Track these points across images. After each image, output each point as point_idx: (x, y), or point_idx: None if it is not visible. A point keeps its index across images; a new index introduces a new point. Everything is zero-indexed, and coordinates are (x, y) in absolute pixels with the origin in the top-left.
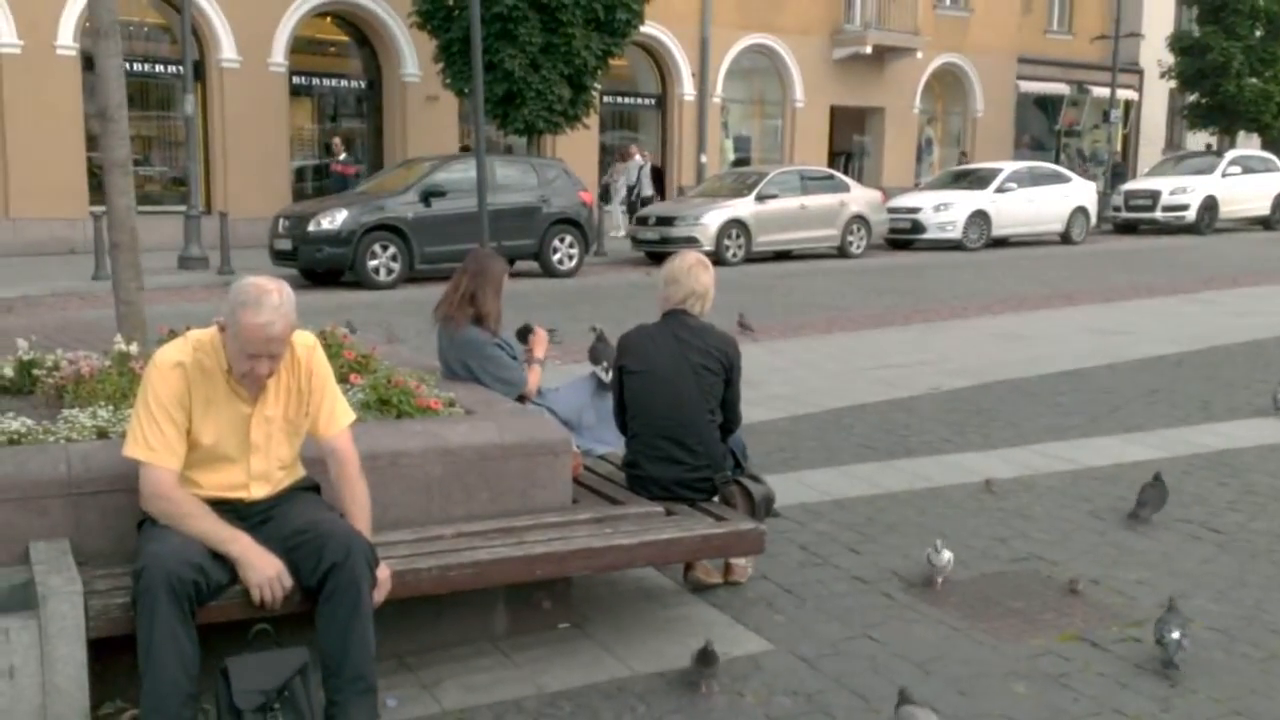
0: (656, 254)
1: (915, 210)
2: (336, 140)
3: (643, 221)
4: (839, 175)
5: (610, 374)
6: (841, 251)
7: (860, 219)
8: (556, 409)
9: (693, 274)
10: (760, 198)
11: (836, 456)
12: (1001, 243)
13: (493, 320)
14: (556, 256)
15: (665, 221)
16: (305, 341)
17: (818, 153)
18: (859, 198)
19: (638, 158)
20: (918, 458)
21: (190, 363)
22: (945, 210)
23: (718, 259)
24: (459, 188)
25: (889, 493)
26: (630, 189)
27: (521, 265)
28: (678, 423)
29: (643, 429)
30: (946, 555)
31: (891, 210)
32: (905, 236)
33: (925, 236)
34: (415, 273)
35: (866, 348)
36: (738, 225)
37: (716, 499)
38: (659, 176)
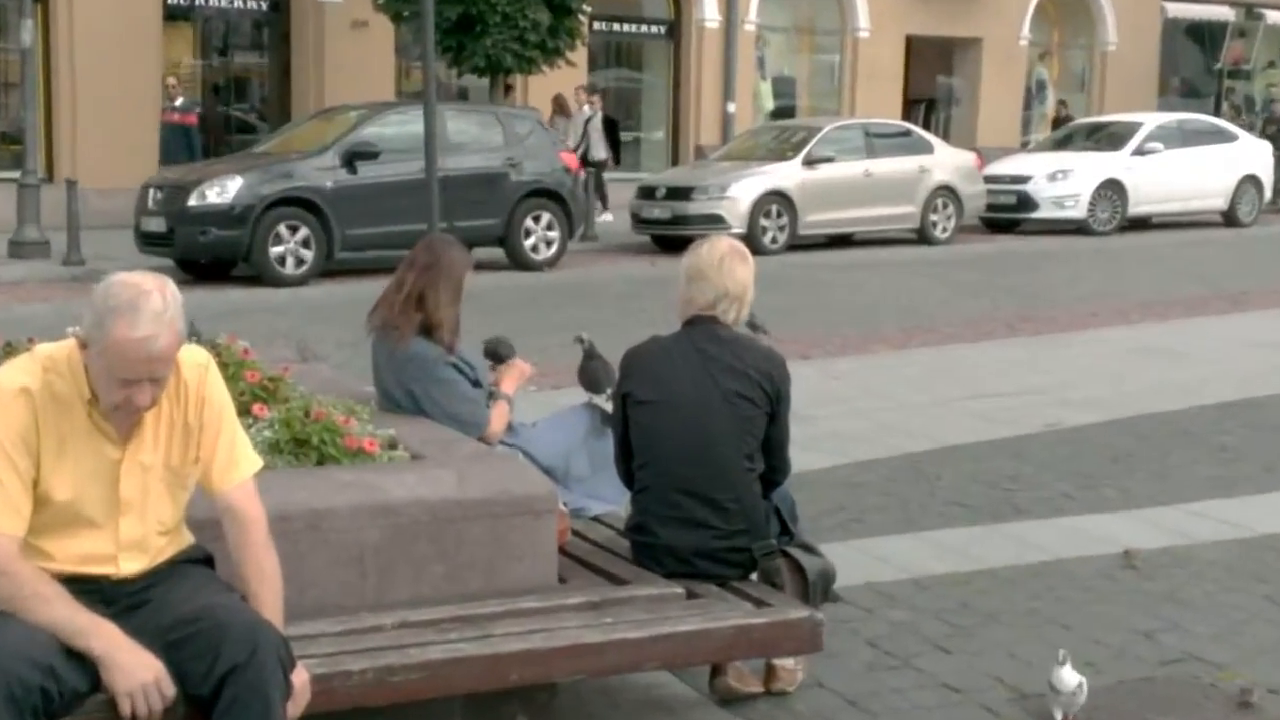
0: (667, 239)
1: (1023, 179)
2: (172, 80)
3: (648, 194)
4: (918, 131)
5: (609, 405)
6: (922, 236)
7: (947, 191)
8: (535, 453)
9: (725, 268)
10: (810, 162)
11: (917, 519)
12: (1141, 224)
13: (447, 331)
14: (530, 242)
15: (679, 194)
16: (195, 360)
17: (889, 100)
18: (945, 162)
19: (585, 109)
20: (1029, 520)
21: (39, 389)
22: (1064, 179)
23: (751, 246)
24: (396, 147)
25: (989, 569)
26: (577, 152)
27: (481, 254)
28: (704, 472)
29: (655, 480)
30: (1073, 679)
31: (990, 180)
32: (1009, 215)
33: (1037, 215)
34: (335, 264)
35: (957, 369)
36: (779, 200)
37: (755, 576)
38: (613, 132)
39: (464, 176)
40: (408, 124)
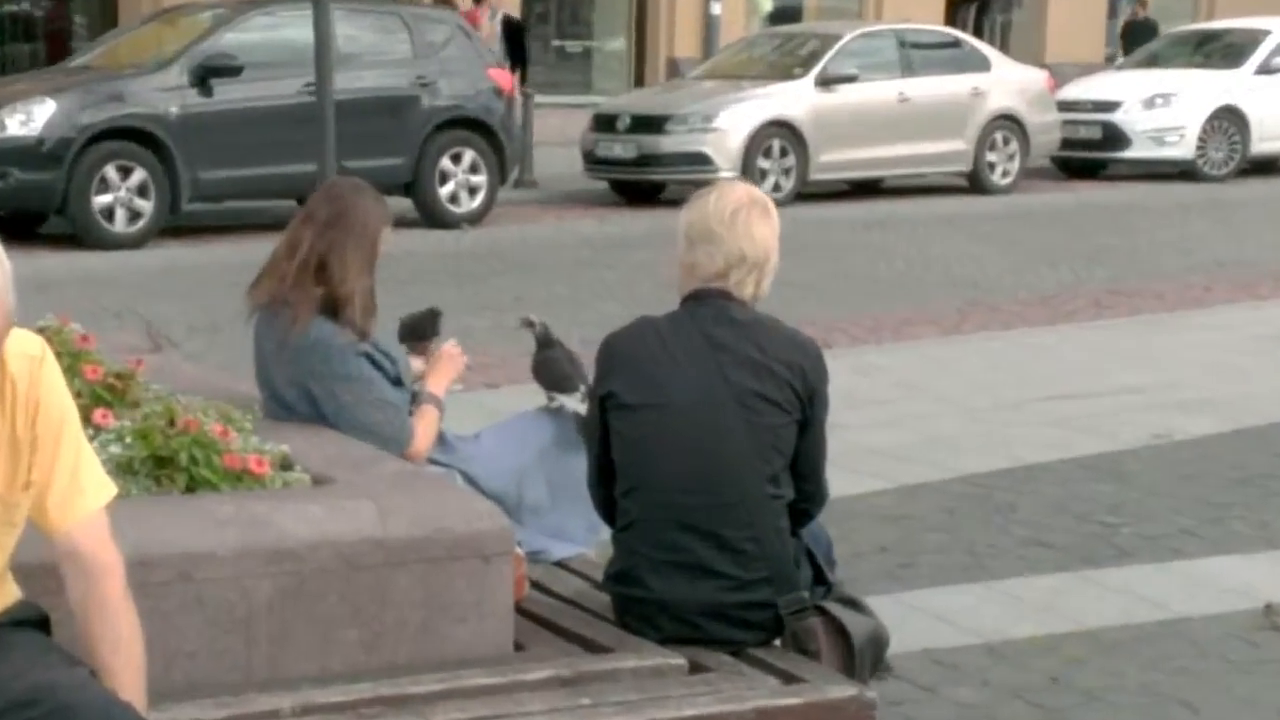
0: (631, 185)
1: (1110, 107)
2: None
3: (605, 126)
4: (970, 41)
5: (582, 407)
6: (975, 182)
7: (1009, 122)
8: (478, 475)
9: (741, 224)
10: (825, 82)
11: (987, 563)
12: (1267, 166)
13: (359, 310)
14: (447, 189)
15: (647, 126)
16: (27, 350)
17: (928, 0)
18: (1007, 83)
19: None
20: (1136, 564)
21: None
22: (1165, 107)
23: None
24: (265, 59)
25: (1086, 630)
26: None
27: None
28: (712, 501)
29: (646, 513)
30: None
31: (1065, 107)
32: (1092, 155)
33: (1128, 155)
34: (182, 219)
35: (1030, 361)
36: (783, 133)
37: (782, 641)
38: (516, 38)
39: (357, 101)
40: (281, 28)
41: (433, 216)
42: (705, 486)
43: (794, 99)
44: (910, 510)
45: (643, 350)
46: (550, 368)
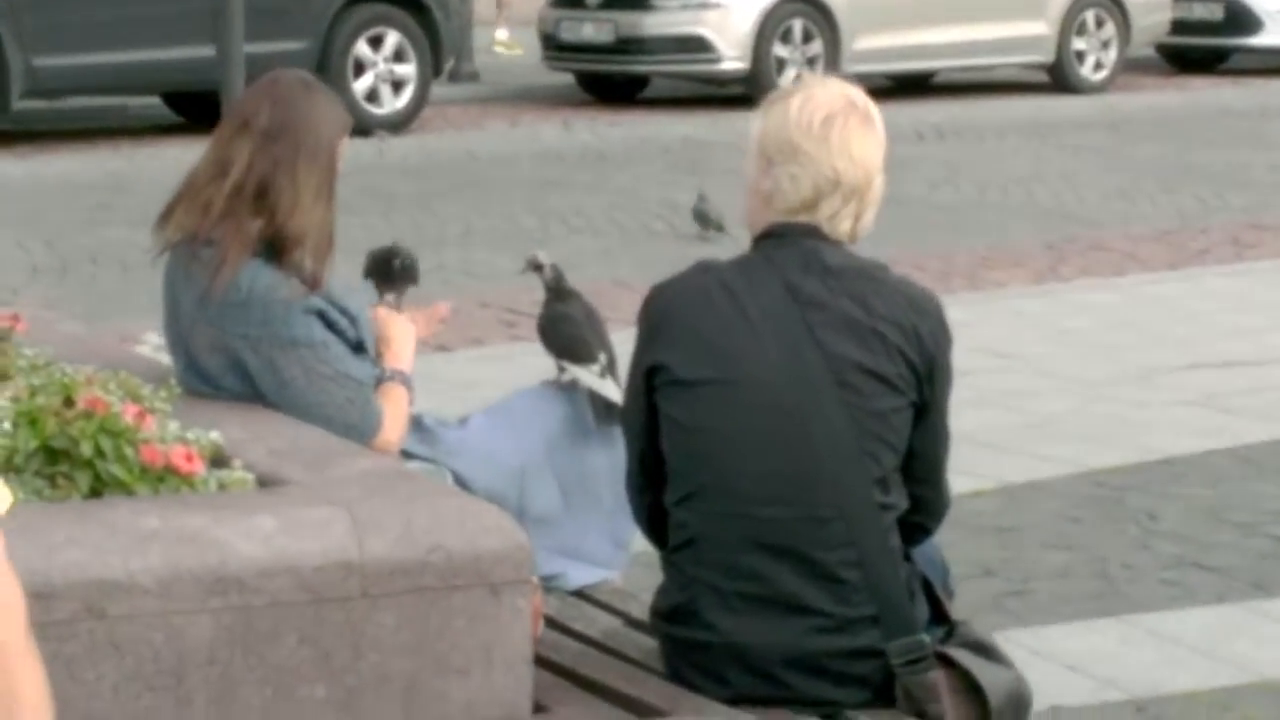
0: (604, 80)
1: None
2: None
3: (570, 1)
4: None
5: (601, 382)
6: (1058, 77)
7: None
8: (468, 473)
9: (835, 135)
10: None
11: (1124, 589)
12: None
13: (312, 251)
14: (364, 83)
15: (626, 1)
16: None
17: None
18: None
19: None
20: None
21: None
22: None
23: (761, 94)
24: None
25: (1264, 681)
26: None
27: None
28: (801, 513)
29: (711, 527)
30: None
31: None
32: (1210, 42)
33: (1257, 42)
34: (14, 120)
35: (1153, 318)
36: (806, 9)
37: (899, 700)
38: None
39: None
40: None
41: None
42: (792, 493)
43: None
44: (1020, 519)
45: (704, 308)
46: (562, 326)
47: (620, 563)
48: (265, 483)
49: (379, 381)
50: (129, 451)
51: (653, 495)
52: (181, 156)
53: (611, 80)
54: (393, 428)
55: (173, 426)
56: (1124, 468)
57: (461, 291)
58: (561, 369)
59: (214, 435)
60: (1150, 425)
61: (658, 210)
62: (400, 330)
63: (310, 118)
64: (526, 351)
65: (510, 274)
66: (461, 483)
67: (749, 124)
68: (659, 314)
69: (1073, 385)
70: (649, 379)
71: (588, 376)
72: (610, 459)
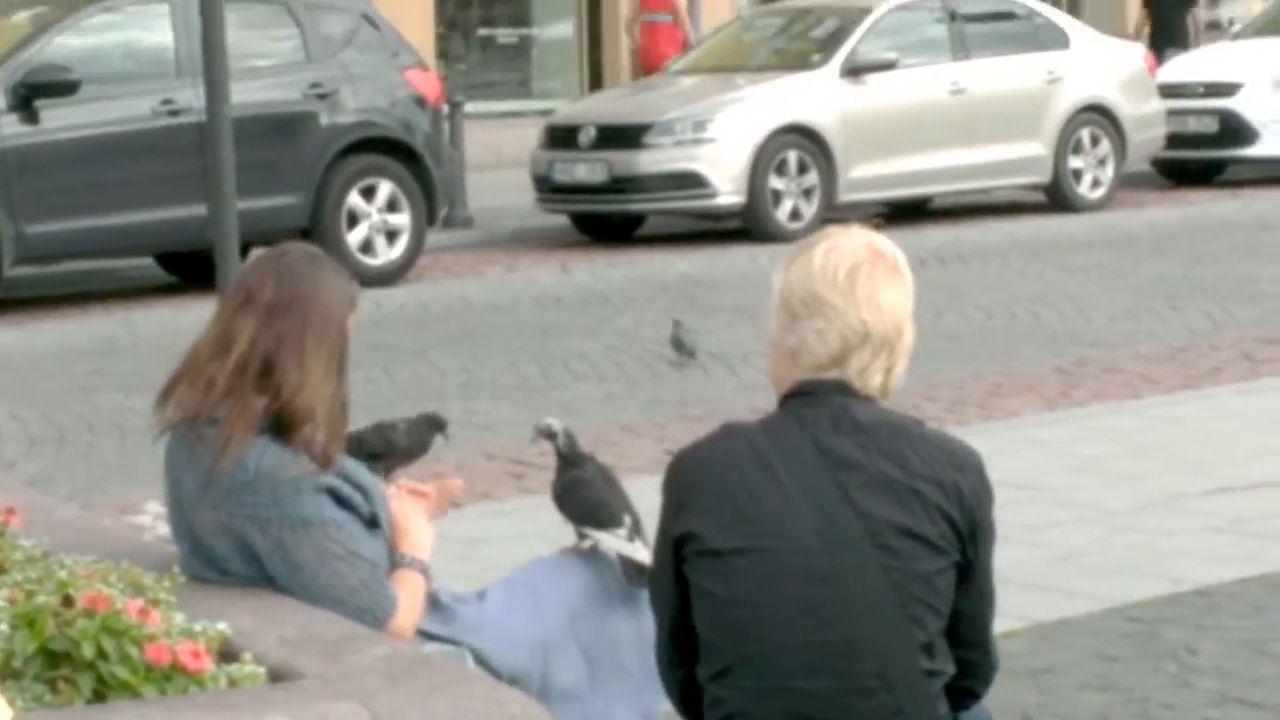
0: (599, 220)
1: (1228, 90)
2: None
3: (562, 140)
4: (1040, 9)
5: (627, 546)
6: (1056, 197)
7: (1099, 116)
8: (488, 650)
9: (861, 286)
10: (852, 71)
11: None
12: None
13: (324, 429)
14: (359, 234)
15: (619, 139)
16: None
17: None
18: (1093, 63)
19: None
20: None
21: None
22: None
23: (757, 226)
24: (109, 71)
25: None
26: None
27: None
28: (846, 685)
29: (751, 703)
30: None
31: (1169, 93)
32: (1205, 155)
33: (1252, 153)
34: (5, 287)
35: (1175, 443)
36: (801, 142)
37: None
38: None
39: (235, 120)
40: (126, 27)
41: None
42: (834, 664)
43: (813, 95)
44: (1054, 659)
45: (734, 473)
46: (581, 492)
47: None
48: (277, 676)
49: (395, 566)
50: (133, 651)
51: (685, 669)
52: (176, 318)
53: (607, 220)
54: (407, 613)
55: (178, 619)
56: (1157, 600)
57: (466, 444)
58: (583, 535)
59: (222, 626)
60: (1179, 554)
61: (660, 351)
62: (417, 517)
63: (317, 291)
64: (537, 505)
65: (514, 424)
66: (482, 660)
67: (771, 277)
68: (687, 481)
69: (1097, 515)
70: (678, 549)
71: (614, 541)
72: (635, 627)
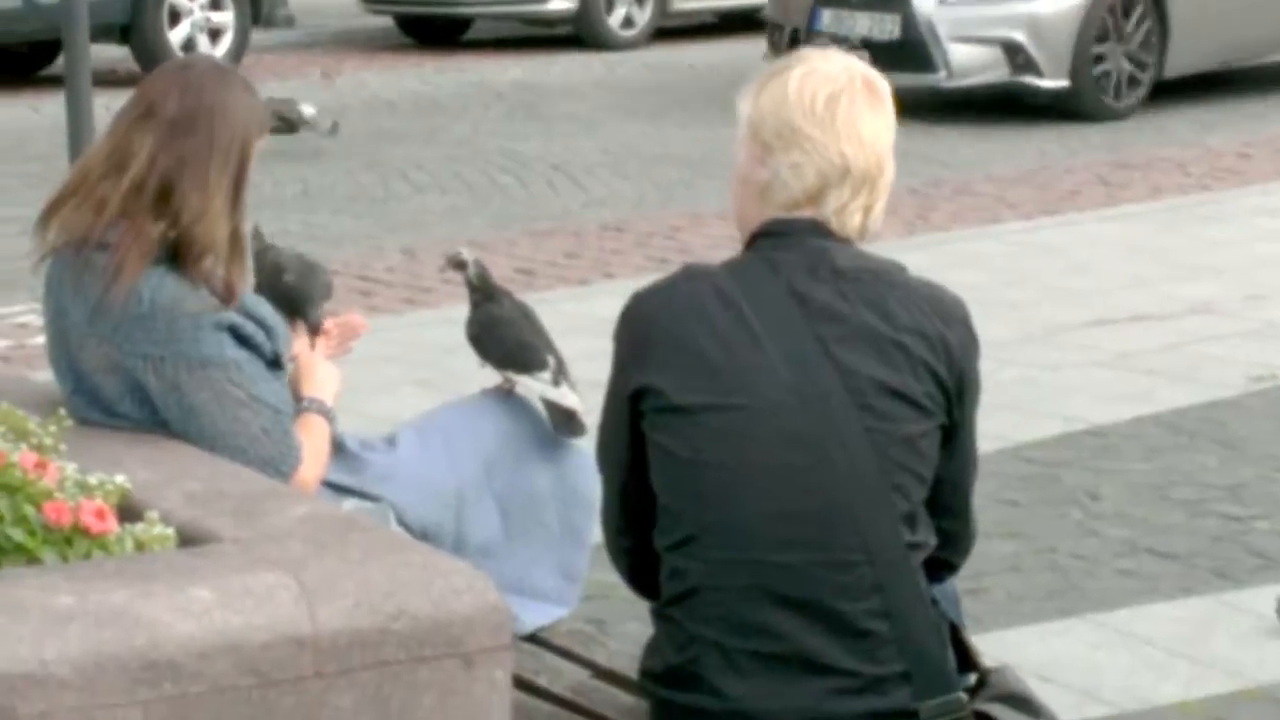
0: (425, 22)
1: None
2: None
3: None
4: None
5: (563, 390)
6: None
7: None
8: (397, 499)
9: (841, 115)
10: None
11: (1082, 583)
12: None
13: (225, 259)
14: (181, 33)
15: None
16: None
17: None
18: None
19: None
20: None
21: None
22: None
23: (589, 33)
24: None
25: (1259, 687)
26: None
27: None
28: (823, 558)
29: (716, 575)
30: None
31: None
32: None
33: None
34: None
35: (1047, 272)
36: None
37: None
38: None
39: None
40: None
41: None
42: (809, 535)
43: None
44: None
45: (699, 320)
46: (501, 331)
47: (572, 598)
48: (188, 539)
49: (297, 411)
50: (29, 510)
51: (636, 538)
52: None
53: (433, 22)
54: (312, 464)
55: (70, 470)
56: (1051, 440)
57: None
58: (506, 379)
59: (120, 479)
60: (1068, 390)
61: (502, 162)
62: (317, 356)
63: (225, 109)
64: (390, 325)
65: (357, 238)
66: (400, 518)
67: (737, 104)
68: (644, 329)
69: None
70: (633, 404)
71: (539, 385)
72: (557, 478)
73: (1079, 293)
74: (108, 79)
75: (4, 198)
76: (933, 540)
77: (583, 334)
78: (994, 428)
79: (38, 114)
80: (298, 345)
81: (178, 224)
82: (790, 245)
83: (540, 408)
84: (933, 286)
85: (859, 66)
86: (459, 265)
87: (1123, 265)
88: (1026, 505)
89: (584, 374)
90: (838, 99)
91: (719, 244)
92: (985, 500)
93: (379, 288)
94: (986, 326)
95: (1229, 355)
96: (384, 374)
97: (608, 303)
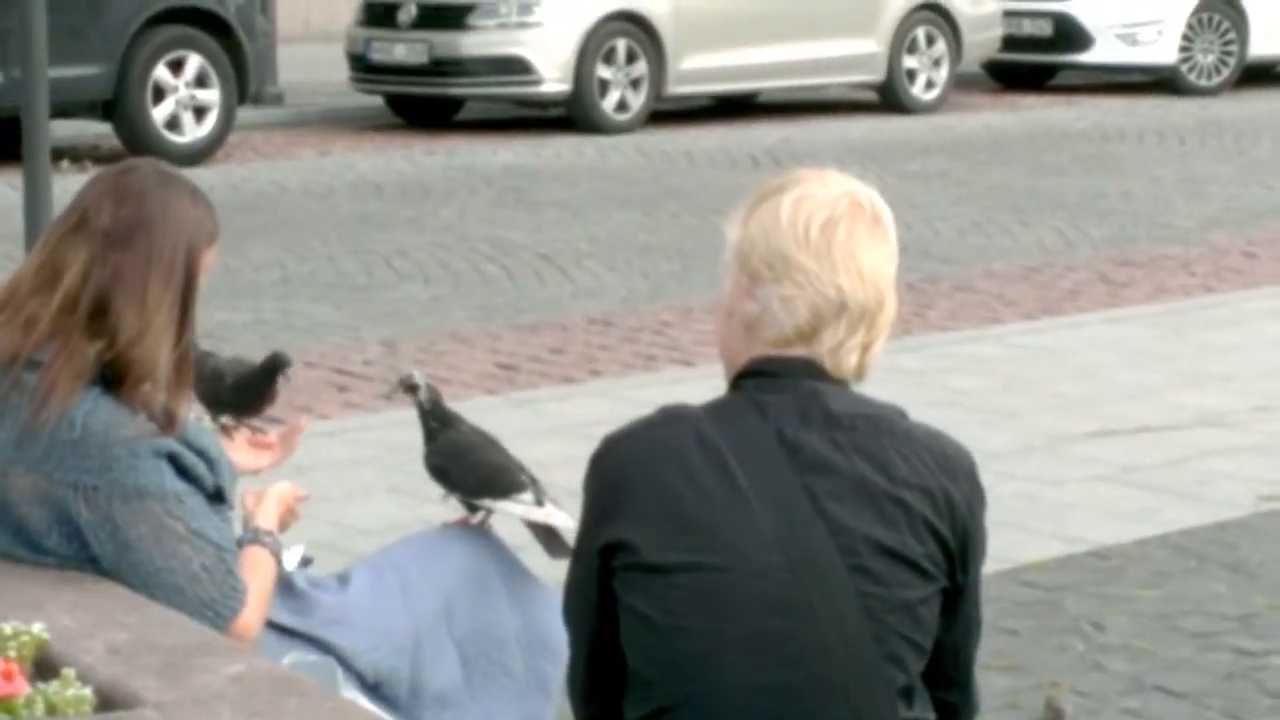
0: (419, 103)
1: None
2: None
3: (380, 18)
4: None
5: (549, 509)
6: (888, 97)
7: (935, 13)
8: (348, 645)
9: (839, 244)
10: None
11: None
12: (1263, 74)
13: (164, 381)
14: (165, 110)
15: (441, 18)
16: None
17: None
18: None
19: None
20: None
21: None
22: None
23: (583, 117)
24: None
25: None
26: None
27: (68, 131)
28: None
29: None
30: None
31: None
32: (1038, 58)
33: (1085, 59)
34: None
35: (1048, 377)
36: (630, 29)
37: None
38: None
39: None
40: None
41: (143, 149)
42: (797, 711)
43: None
44: None
45: (677, 470)
46: (470, 459)
47: None
48: (106, 699)
49: (241, 542)
50: None
51: (603, 705)
52: None
53: (424, 103)
54: (255, 607)
55: None
56: (1053, 562)
57: (283, 350)
58: (473, 508)
59: (38, 628)
60: (1070, 507)
61: (488, 250)
62: (271, 490)
63: (166, 219)
64: (366, 424)
65: (336, 328)
66: (344, 661)
67: (725, 228)
68: (617, 475)
69: (978, 459)
70: (604, 559)
71: (521, 509)
72: (523, 621)
73: (1082, 400)
74: (90, 155)
75: None
76: (931, 716)
77: (564, 437)
78: (994, 548)
79: (14, 191)
80: (241, 458)
81: (114, 345)
82: (780, 387)
83: (514, 542)
84: (936, 436)
85: (859, 189)
86: (410, 388)
87: (1126, 371)
88: (1026, 634)
89: (563, 481)
90: (835, 226)
91: (708, 341)
92: (983, 628)
93: (356, 382)
94: (986, 436)
95: (1237, 471)
96: (357, 478)
97: (592, 404)
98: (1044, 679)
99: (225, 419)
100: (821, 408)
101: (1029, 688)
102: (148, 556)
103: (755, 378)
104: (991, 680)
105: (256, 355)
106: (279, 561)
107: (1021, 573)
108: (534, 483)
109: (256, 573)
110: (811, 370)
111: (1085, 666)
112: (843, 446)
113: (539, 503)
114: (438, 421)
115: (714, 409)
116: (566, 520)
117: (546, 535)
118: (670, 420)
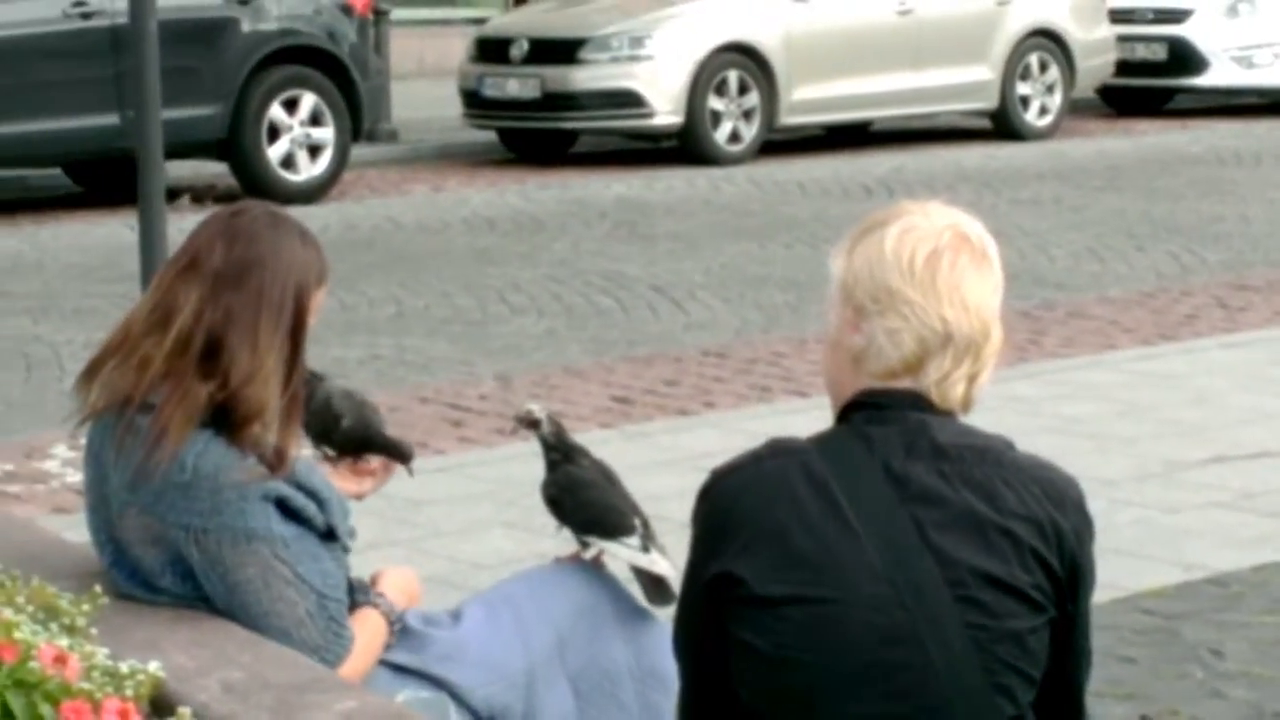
0: (531, 137)
1: (1178, 16)
2: None
3: (493, 54)
4: None
5: (653, 556)
6: (1002, 124)
7: (1048, 40)
8: (460, 681)
9: (943, 276)
10: None
11: None
12: None
13: (278, 427)
14: (279, 149)
15: (553, 53)
16: None
17: None
18: None
19: None
20: None
21: None
22: (1252, 13)
23: (696, 148)
24: None
25: None
26: None
27: (185, 171)
28: None
29: None
30: None
31: (1118, 18)
32: (1153, 83)
33: (1201, 82)
34: None
35: (1166, 402)
36: (742, 60)
37: None
38: None
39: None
40: None
41: (259, 188)
42: None
43: (756, 13)
44: None
45: (785, 503)
46: (584, 495)
47: None
48: None
49: (363, 603)
50: (47, 710)
51: None
52: (85, 233)
53: (537, 137)
54: (359, 658)
55: (100, 656)
56: (1170, 590)
57: (398, 385)
58: (585, 544)
59: (154, 667)
60: (1187, 534)
61: (601, 284)
62: (405, 571)
63: (276, 260)
64: (481, 460)
65: (450, 363)
66: (457, 697)
67: (829, 262)
68: (725, 509)
69: (1094, 486)
70: (712, 592)
71: (626, 552)
72: (635, 655)
73: (1198, 426)
74: (206, 195)
75: (91, 319)
76: None
77: (679, 469)
78: (1110, 576)
79: (132, 232)
80: (343, 482)
81: (226, 386)
82: (887, 419)
83: (623, 576)
84: (1043, 466)
85: (963, 221)
86: (532, 424)
87: (1243, 396)
88: (1144, 663)
89: (678, 514)
90: (939, 258)
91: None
92: (1100, 656)
93: (471, 417)
94: (1102, 463)
95: None
96: (472, 514)
97: (706, 436)
98: (1162, 707)
99: (328, 449)
100: (928, 439)
101: (1147, 716)
102: (256, 599)
103: (862, 410)
104: (1109, 709)
105: (371, 391)
106: (389, 625)
107: (1139, 600)
108: (644, 526)
109: (365, 628)
110: (918, 402)
111: (1204, 694)
112: (949, 478)
113: (645, 549)
114: (560, 453)
115: (821, 442)
116: (669, 569)
117: (651, 582)
118: (777, 453)
